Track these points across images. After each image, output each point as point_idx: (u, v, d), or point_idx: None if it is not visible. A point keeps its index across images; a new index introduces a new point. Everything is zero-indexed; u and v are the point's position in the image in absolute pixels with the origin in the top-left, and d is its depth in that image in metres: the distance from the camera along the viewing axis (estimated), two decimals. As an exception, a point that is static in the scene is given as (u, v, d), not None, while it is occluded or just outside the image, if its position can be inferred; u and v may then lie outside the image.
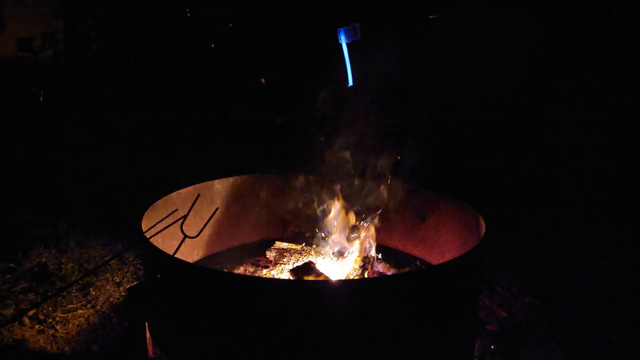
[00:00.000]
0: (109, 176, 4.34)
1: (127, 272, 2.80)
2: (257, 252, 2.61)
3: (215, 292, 1.61)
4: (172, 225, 1.96)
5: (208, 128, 5.70)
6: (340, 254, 2.34)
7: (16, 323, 2.26)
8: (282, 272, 2.28)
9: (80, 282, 2.61)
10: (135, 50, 6.99)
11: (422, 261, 2.59)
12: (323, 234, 2.45)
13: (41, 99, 6.85)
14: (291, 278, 2.08)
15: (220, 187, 2.60)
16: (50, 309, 2.41)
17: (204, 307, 1.64)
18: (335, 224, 2.43)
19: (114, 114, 6.21)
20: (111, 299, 2.51)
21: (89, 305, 2.45)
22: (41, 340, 2.17)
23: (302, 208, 2.59)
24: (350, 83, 2.34)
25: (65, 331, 2.24)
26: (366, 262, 2.25)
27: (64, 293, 2.52)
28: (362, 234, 2.42)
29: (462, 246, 2.20)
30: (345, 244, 2.40)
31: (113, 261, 2.89)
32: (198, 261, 2.55)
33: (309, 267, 2.08)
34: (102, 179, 4.27)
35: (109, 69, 7.06)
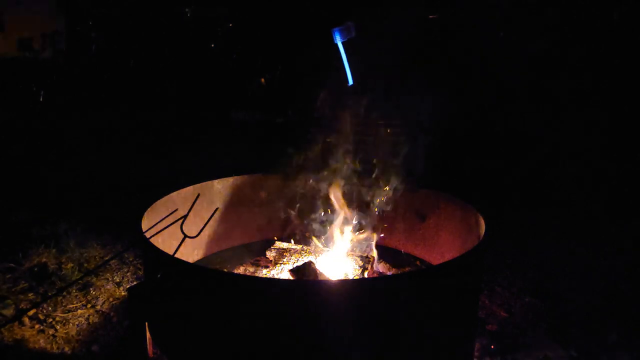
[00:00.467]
0: (109, 176, 4.34)
1: (127, 272, 2.80)
2: (257, 252, 2.61)
3: (215, 292, 1.61)
4: (172, 225, 1.96)
5: (208, 128, 5.70)
6: (340, 253, 2.34)
7: (16, 323, 2.26)
8: (282, 272, 2.28)
9: (80, 282, 2.61)
10: (135, 50, 6.99)
11: (422, 261, 2.59)
12: (323, 234, 2.45)
13: (41, 99, 6.85)
14: (291, 278, 2.08)
15: (220, 187, 2.60)
16: (50, 308, 2.41)
17: (204, 307, 1.64)
18: (336, 224, 2.43)
19: (114, 114, 6.21)
20: (111, 299, 2.51)
21: (89, 305, 2.45)
22: (41, 340, 2.17)
23: (302, 208, 2.59)
24: (351, 82, 2.34)
25: (65, 331, 2.24)
26: (366, 262, 2.25)
27: (64, 293, 2.52)
28: (362, 234, 2.42)
29: (462, 246, 2.20)
30: (345, 243, 2.40)
31: (113, 261, 2.89)
32: (198, 261, 2.55)
33: (309, 267, 2.08)
34: (102, 179, 4.27)
35: (109, 69, 7.06)
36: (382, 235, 2.56)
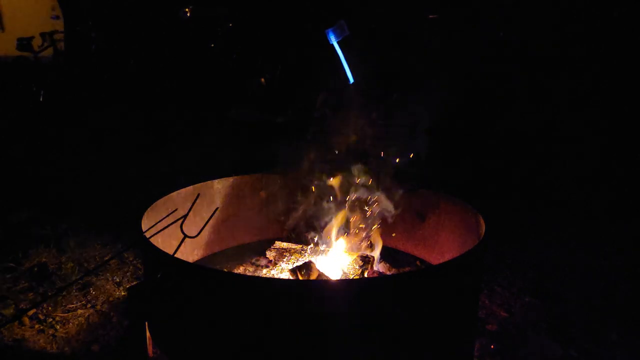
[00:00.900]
0: (109, 176, 4.34)
1: (127, 271, 2.80)
2: (257, 252, 2.61)
3: (215, 292, 1.61)
4: (172, 225, 1.96)
5: (208, 128, 5.70)
6: (340, 253, 2.34)
7: (16, 323, 2.26)
8: (282, 272, 2.28)
9: (80, 281, 2.61)
10: (135, 50, 6.99)
11: (422, 261, 2.59)
12: (323, 234, 2.45)
13: (41, 99, 6.84)
14: (291, 278, 2.08)
15: (220, 187, 2.60)
16: (50, 308, 2.41)
17: (204, 307, 1.64)
18: (336, 224, 2.43)
19: (114, 114, 6.21)
20: (111, 299, 2.51)
21: (88, 305, 2.45)
22: (41, 340, 2.17)
23: (302, 208, 2.59)
24: (352, 80, 2.33)
25: (65, 331, 2.24)
26: (366, 262, 2.25)
27: (64, 293, 2.52)
28: (363, 234, 2.42)
29: (462, 246, 2.19)
30: (346, 243, 2.40)
31: (113, 261, 2.89)
32: (198, 261, 2.55)
33: (309, 267, 2.08)
34: (102, 179, 4.27)
35: (109, 69, 7.06)
36: (381, 235, 2.56)
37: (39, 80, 7.16)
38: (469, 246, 1.88)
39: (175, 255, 1.70)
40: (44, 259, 2.84)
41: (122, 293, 2.55)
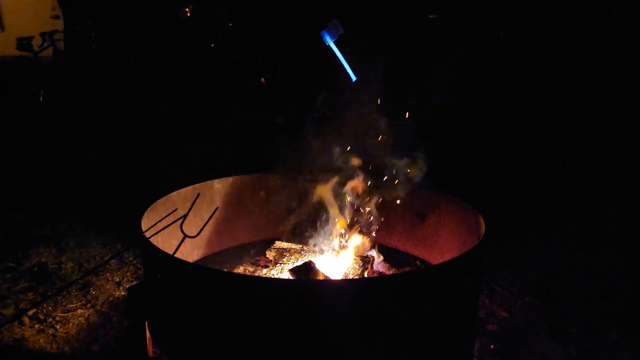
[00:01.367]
0: (109, 176, 4.34)
1: (127, 271, 2.80)
2: (257, 251, 2.61)
3: (215, 292, 1.61)
4: (172, 225, 1.96)
5: (208, 128, 5.70)
6: (340, 253, 2.34)
7: (16, 322, 2.26)
8: (282, 271, 2.28)
9: (80, 281, 2.61)
10: (135, 50, 6.99)
11: (422, 261, 2.59)
12: (323, 234, 2.45)
13: (41, 99, 6.84)
14: (291, 278, 2.08)
15: (220, 186, 2.60)
16: (50, 308, 2.41)
17: (204, 306, 1.64)
18: (336, 223, 2.43)
19: (114, 114, 6.21)
20: (111, 299, 2.51)
21: (88, 305, 2.45)
22: (41, 340, 2.17)
23: (301, 207, 2.59)
24: (354, 78, 2.33)
25: (65, 331, 2.24)
26: (366, 261, 2.25)
27: (64, 292, 2.52)
28: (363, 234, 2.42)
29: (462, 246, 2.19)
30: (346, 243, 2.40)
31: (113, 261, 2.89)
32: (198, 261, 2.55)
33: (308, 267, 2.08)
34: (102, 179, 4.27)
35: (109, 69, 7.06)
36: (381, 235, 2.56)
37: (39, 80, 7.16)
38: (469, 246, 1.88)
39: (175, 255, 1.70)
40: (44, 259, 2.83)
41: (122, 293, 2.55)
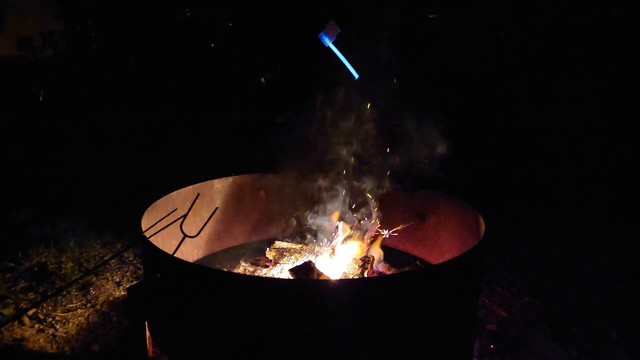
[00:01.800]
0: (109, 176, 4.34)
1: (127, 271, 2.80)
2: (256, 251, 2.61)
3: (215, 292, 1.61)
4: (172, 225, 1.96)
5: (208, 127, 5.70)
6: (340, 253, 2.34)
7: (16, 322, 2.26)
8: (282, 271, 2.28)
9: (80, 281, 2.61)
10: (135, 50, 6.99)
11: (422, 261, 2.59)
12: (323, 233, 2.45)
13: (41, 99, 6.85)
14: (291, 277, 2.08)
15: (220, 186, 2.60)
16: (50, 308, 2.41)
17: (204, 306, 1.64)
18: (336, 223, 2.43)
19: (114, 114, 6.21)
20: (111, 299, 2.51)
21: (88, 305, 2.45)
22: (41, 340, 2.17)
23: (301, 207, 2.59)
24: (356, 76, 2.33)
25: (65, 330, 2.24)
26: (366, 261, 2.25)
27: (64, 292, 2.52)
28: (362, 234, 2.42)
29: (462, 246, 2.19)
30: (345, 243, 2.39)
31: (113, 260, 2.89)
32: (198, 261, 2.55)
33: (308, 267, 2.07)
34: (102, 179, 4.27)
35: (109, 69, 7.05)
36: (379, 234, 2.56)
37: (38, 80, 7.15)
38: (469, 246, 1.88)
39: (175, 255, 1.70)
40: (43, 259, 2.83)
41: (122, 293, 2.55)
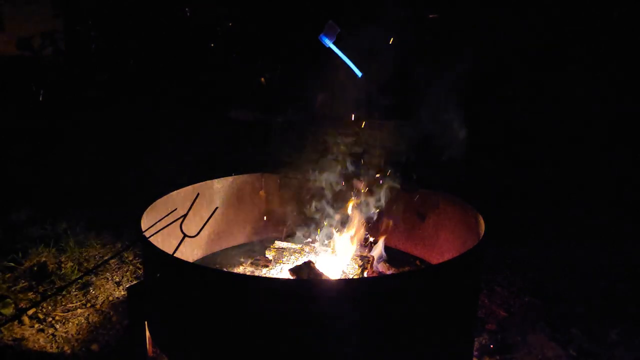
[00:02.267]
0: (109, 176, 4.34)
1: (127, 271, 2.80)
2: (256, 251, 2.61)
3: (215, 292, 1.61)
4: (172, 225, 1.96)
5: (208, 128, 5.69)
6: (340, 253, 2.34)
7: (16, 322, 2.26)
8: (282, 271, 2.28)
9: (79, 281, 2.61)
10: (135, 50, 6.98)
11: (422, 261, 2.59)
12: (323, 233, 2.45)
13: (41, 99, 6.85)
14: (291, 277, 2.08)
15: (219, 186, 2.60)
16: (50, 308, 2.41)
17: (204, 306, 1.64)
18: (336, 223, 2.43)
19: (114, 114, 6.20)
20: (111, 298, 2.51)
21: (88, 305, 2.45)
22: (41, 339, 2.17)
23: (301, 207, 2.59)
24: (359, 74, 2.33)
25: (64, 330, 2.24)
26: (366, 261, 2.25)
27: (64, 292, 2.52)
28: (362, 234, 2.42)
29: (462, 246, 2.19)
30: (345, 243, 2.39)
31: (112, 260, 2.89)
32: (198, 260, 2.55)
33: (308, 267, 2.07)
34: (102, 179, 4.27)
35: (109, 69, 7.05)
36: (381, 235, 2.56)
37: (38, 79, 7.14)
38: (469, 246, 1.88)
39: (175, 255, 1.70)
40: (43, 259, 2.83)
41: (122, 293, 2.55)
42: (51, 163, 4.72)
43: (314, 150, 2.60)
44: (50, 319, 2.32)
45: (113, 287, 2.62)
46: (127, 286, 2.44)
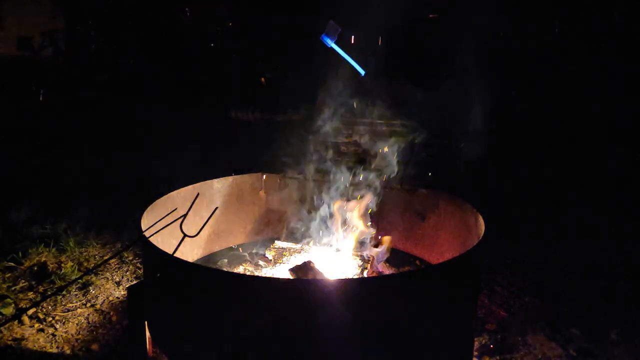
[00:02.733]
0: (109, 176, 4.34)
1: (127, 271, 2.80)
2: (257, 251, 2.61)
3: (215, 292, 1.61)
4: (172, 225, 1.96)
5: (208, 128, 5.70)
6: (340, 253, 2.34)
7: (16, 322, 2.26)
8: (282, 271, 2.28)
9: (79, 281, 2.61)
10: (135, 50, 6.99)
11: (422, 260, 2.59)
12: (322, 233, 2.45)
13: (41, 98, 6.85)
14: (290, 277, 2.08)
15: (219, 186, 2.60)
16: (50, 307, 2.41)
17: (204, 306, 1.64)
18: (335, 223, 2.43)
19: (114, 114, 6.21)
20: (111, 298, 2.51)
21: (88, 305, 2.45)
22: (41, 339, 2.17)
23: (301, 207, 2.59)
24: (362, 72, 2.33)
25: (64, 330, 2.24)
26: (365, 261, 2.25)
27: (64, 292, 2.52)
28: (362, 234, 2.42)
29: (462, 246, 2.19)
30: (345, 243, 2.40)
31: (112, 260, 2.89)
32: (198, 260, 2.55)
33: (308, 266, 2.08)
34: (101, 179, 4.27)
35: (109, 69, 7.06)
36: (381, 235, 2.56)
37: (38, 79, 7.15)
38: (469, 246, 1.88)
39: (175, 255, 1.70)
40: (43, 259, 2.84)
41: (122, 292, 2.55)
42: (51, 163, 4.72)
43: (314, 150, 2.60)
44: (50, 318, 2.32)
45: (113, 287, 2.62)
46: (127, 286, 2.45)
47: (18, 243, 2.99)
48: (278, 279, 2.05)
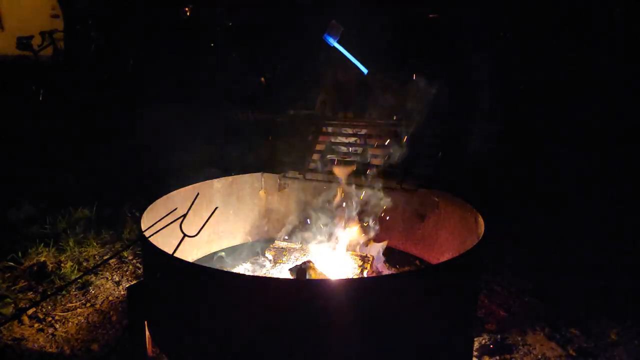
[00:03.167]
0: (108, 175, 4.34)
1: (127, 271, 2.80)
2: (257, 252, 2.61)
3: (215, 291, 1.61)
4: (172, 224, 1.96)
5: (208, 128, 5.69)
6: (340, 253, 2.34)
7: (15, 322, 2.26)
8: (282, 271, 2.28)
9: (79, 281, 2.61)
10: (135, 50, 6.99)
11: (422, 260, 2.59)
12: (322, 233, 2.45)
13: (41, 98, 6.84)
14: (290, 277, 2.08)
15: (219, 186, 2.60)
16: (49, 307, 2.41)
17: (204, 306, 1.64)
18: (335, 223, 2.43)
19: (114, 113, 6.21)
20: (110, 298, 2.51)
21: (88, 304, 2.45)
22: (40, 339, 2.17)
23: (301, 207, 2.59)
24: (365, 71, 2.33)
25: (64, 330, 2.24)
26: (365, 261, 2.25)
27: (63, 292, 2.52)
28: (362, 234, 2.42)
29: (461, 245, 2.19)
30: (345, 242, 2.39)
31: (112, 260, 2.89)
32: (197, 260, 2.55)
33: (308, 266, 2.08)
34: (102, 178, 4.27)
35: (109, 69, 7.06)
36: (381, 235, 2.56)
37: (38, 79, 7.15)
38: (469, 246, 1.88)
39: (175, 255, 1.70)
40: (43, 258, 2.83)
41: (122, 292, 2.55)
42: (51, 163, 4.72)
43: (314, 150, 2.60)
44: (50, 318, 2.32)
45: (113, 287, 2.62)
46: (127, 286, 2.44)
47: (17, 243, 2.99)
48: (278, 279, 2.05)
